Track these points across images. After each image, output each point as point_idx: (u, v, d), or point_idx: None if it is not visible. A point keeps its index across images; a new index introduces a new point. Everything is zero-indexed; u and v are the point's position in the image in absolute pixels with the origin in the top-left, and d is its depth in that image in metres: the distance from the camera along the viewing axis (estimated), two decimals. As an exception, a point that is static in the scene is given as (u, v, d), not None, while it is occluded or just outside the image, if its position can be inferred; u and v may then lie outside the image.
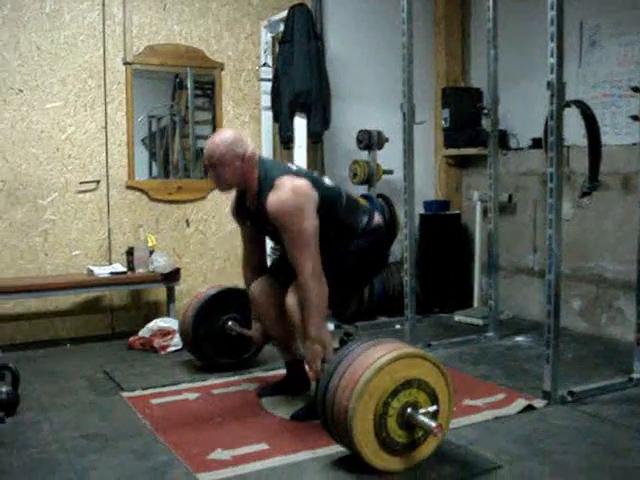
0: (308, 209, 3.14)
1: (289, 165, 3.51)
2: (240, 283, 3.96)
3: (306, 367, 3.41)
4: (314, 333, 3.18)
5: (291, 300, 3.27)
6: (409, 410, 2.72)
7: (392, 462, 2.75)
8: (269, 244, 4.16)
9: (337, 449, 2.92)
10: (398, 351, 2.75)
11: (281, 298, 3.40)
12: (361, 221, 3.44)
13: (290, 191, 3.13)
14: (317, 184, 3.28)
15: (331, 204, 3.33)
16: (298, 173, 3.31)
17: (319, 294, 3.16)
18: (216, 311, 4.17)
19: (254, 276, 3.65)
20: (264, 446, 3.05)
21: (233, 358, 4.24)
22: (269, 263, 3.90)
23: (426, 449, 2.83)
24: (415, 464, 2.80)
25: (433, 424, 2.68)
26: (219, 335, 4.16)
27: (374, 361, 2.69)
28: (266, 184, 3.21)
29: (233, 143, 3.23)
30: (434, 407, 2.76)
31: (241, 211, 3.50)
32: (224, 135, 3.30)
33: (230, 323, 4.15)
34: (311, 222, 3.13)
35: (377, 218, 3.53)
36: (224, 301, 4.21)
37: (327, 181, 3.46)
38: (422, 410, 2.73)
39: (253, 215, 3.39)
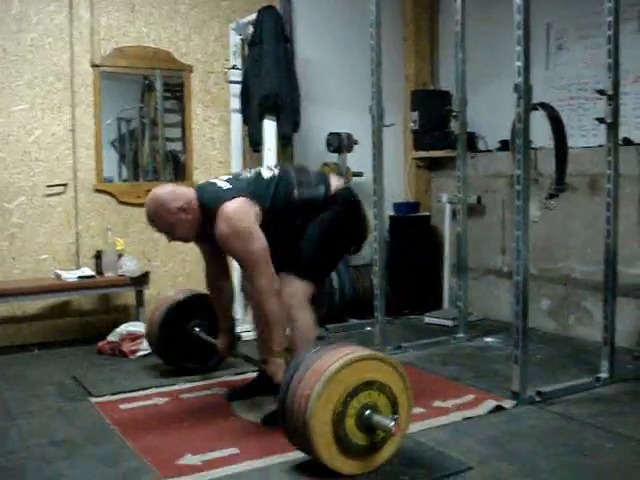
0: (249, 230, 3.15)
1: (220, 185, 3.35)
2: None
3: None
4: (276, 348, 3.23)
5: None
6: (367, 412, 2.73)
7: (352, 465, 2.75)
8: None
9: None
10: (353, 354, 2.76)
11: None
12: (319, 192, 3.41)
13: (227, 220, 3.13)
14: (255, 192, 3.27)
15: (279, 198, 3.33)
16: (233, 192, 3.25)
17: (277, 312, 3.20)
18: (183, 316, 4.16)
19: (216, 285, 3.68)
20: (234, 450, 3.04)
21: (199, 363, 4.22)
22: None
23: (386, 452, 2.83)
24: (376, 467, 2.81)
25: (391, 424, 2.68)
26: (186, 340, 4.14)
27: (330, 364, 2.70)
28: (211, 215, 3.20)
29: (168, 202, 3.23)
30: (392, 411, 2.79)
31: (206, 237, 3.40)
32: (157, 200, 3.26)
33: (197, 329, 4.13)
34: (256, 242, 3.15)
35: (335, 182, 3.51)
36: (192, 306, 4.20)
37: (266, 174, 3.42)
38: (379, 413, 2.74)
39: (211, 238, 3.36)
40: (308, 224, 3.38)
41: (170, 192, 3.27)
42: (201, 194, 3.32)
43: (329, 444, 2.69)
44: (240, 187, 3.32)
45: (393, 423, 2.68)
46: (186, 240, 3.46)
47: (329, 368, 2.69)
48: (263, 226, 3.22)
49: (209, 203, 3.24)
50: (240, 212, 3.16)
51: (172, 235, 3.34)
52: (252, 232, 3.15)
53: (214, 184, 3.37)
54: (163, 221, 3.26)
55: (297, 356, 3.01)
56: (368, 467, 2.79)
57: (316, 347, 2.93)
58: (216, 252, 3.53)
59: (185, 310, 4.18)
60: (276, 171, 3.45)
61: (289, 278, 3.35)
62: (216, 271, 3.67)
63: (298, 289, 3.34)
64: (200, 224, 3.30)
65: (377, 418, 2.72)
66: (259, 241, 3.16)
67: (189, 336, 4.14)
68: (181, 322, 4.14)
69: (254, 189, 3.30)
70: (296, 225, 3.36)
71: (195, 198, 3.29)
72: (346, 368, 2.71)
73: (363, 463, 2.78)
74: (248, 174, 3.49)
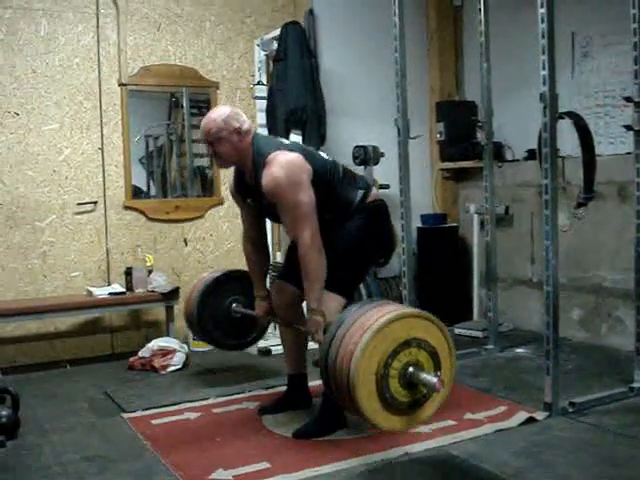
0: (302, 181, 3.16)
1: (281, 140, 3.51)
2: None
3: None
4: (314, 305, 3.20)
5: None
6: (410, 369, 2.70)
7: (396, 421, 2.74)
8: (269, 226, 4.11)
9: (340, 466, 2.92)
10: (396, 312, 2.74)
11: (293, 297, 3.52)
12: (356, 196, 3.42)
13: (282, 166, 3.15)
14: (311, 157, 3.30)
15: (326, 176, 3.34)
16: (291, 147, 3.33)
17: (318, 266, 3.18)
18: (220, 293, 4.12)
19: (254, 250, 3.68)
20: (265, 465, 3.04)
21: (238, 339, 4.22)
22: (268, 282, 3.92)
23: (430, 408, 2.81)
24: (419, 423, 2.80)
25: (434, 380, 2.67)
26: (224, 317, 4.12)
27: (372, 323, 2.68)
28: (260, 161, 3.23)
29: (229, 117, 3.28)
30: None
31: (241, 188, 3.50)
32: (220, 110, 3.35)
33: (234, 305, 4.11)
34: (307, 193, 3.16)
35: (374, 194, 3.52)
36: (227, 284, 4.16)
37: (323, 155, 3.49)
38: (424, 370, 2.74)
39: (252, 191, 3.39)
40: (336, 228, 3.35)
41: (235, 112, 3.33)
42: (258, 139, 3.35)
43: (372, 398, 2.66)
44: (300, 147, 3.40)
45: (437, 379, 2.66)
46: (226, 165, 3.45)
47: (377, 321, 2.67)
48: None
49: (264, 147, 3.26)
50: (296, 162, 3.19)
51: (216, 152, 3.33)
52: (304, 183, 3.17)
53: (274, 137, 3.39)
54: (215, 131, 3.27)
55: (340, 315, 2.93)
56: (410, 424, 2.78)
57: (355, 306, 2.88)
58: (255, 214, 3.57)
59: (221, 287, 4.14)
60: (330, 158, 3.49)
61: None
62: (254, 233, 3.67)
63: (330, 302, 3.29)
64: (243, 159, 3.32)
65: (421, 374, 2.70)
66: (309, 193, 3.17)
67: (227, 313, 4.11)
68: (218, 299, 4.11)
69: (311, 155, 3.34)
70: (324, 220, 3.29)
71: (252, 136, 3.32)
72: (394, 323, 2.69)
73: (405, 419, 2.76)
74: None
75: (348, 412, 2.84)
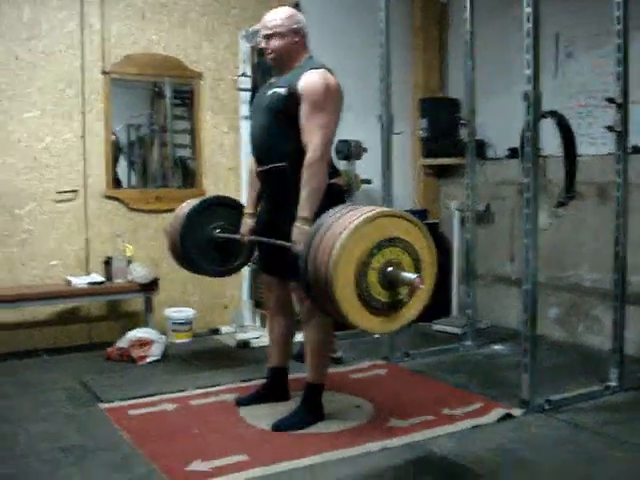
0: (338, 102, 3.28)
1: None
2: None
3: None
4: (307, 214, 3.16)
5: None
6: (390, 268, 2.71)
7: (376, 322, 2.76)
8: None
9: (318, 459, 2.93)
10: (373, 212, 2.74)
11: (280, 290, 3.54)
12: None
13: (334, 81, 3.29)
14: None
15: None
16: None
17: (323, 176, 3.21)
18: (202, 221, 4.05)
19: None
20: (243, 457, 3.04)
21: (224, 266, 4.16)
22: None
23: (411, 310, 2.83)
24: (400, 326, 2.82)
25: (414, 276, 2.67)
26: (207, 244, 4.05)
27: (349, 223, 2.68)
28: (313, 65, 3.32)
29: (292, 17, 3.41)
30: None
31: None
32: (285, 9, 3.48)
33: (217, 231, 4.04)
34: (337, 112, 3.28)
35: (339, 179, 3.51)
36: (209, 210, 4.08)
37: None
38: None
39: (261, 95, 3.50)
40: (291, 208, 3.25)
41: (297, 14, 3.47)
42: (315, 58, 3.45)
43: (351, 298, 2.67)
44: None
45: (416, 276, 2.67)
46: (274, 60, 3.45)
47: (353, 222, 2.67)
48: None
49: (319, 64, 3.36)
50: (339, 87, 3.30)
51: (269, 42, 3.39)
52: (339, 104, 3.30)
53: None
54: (276, 25, 3.37)
55: (318, 219, 2.92)
56: (390, 325, 2.80)
57: (332, 211, 2.86)
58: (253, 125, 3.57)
59: (204, 214, 4.06)
60: None
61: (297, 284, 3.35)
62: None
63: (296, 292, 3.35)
64: (291, 60, 3.39)
65: (400, 273, 2.70)
66: (338, 114, 3.28)
67: (210, 239, 4.05)
68: (201, 226, 4.05)
69: None
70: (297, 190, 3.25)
71: (306, 44, 3.45)
72: (370, 222, 2.70)
73: (386, 320, 2.78)
74: None
75: (330, 315, 2.84)
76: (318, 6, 5.81)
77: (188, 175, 5.71)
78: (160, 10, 5.38)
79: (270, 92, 3.38)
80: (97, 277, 5.04)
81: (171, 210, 5.40)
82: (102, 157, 5.24)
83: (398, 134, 4.55)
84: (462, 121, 5.04)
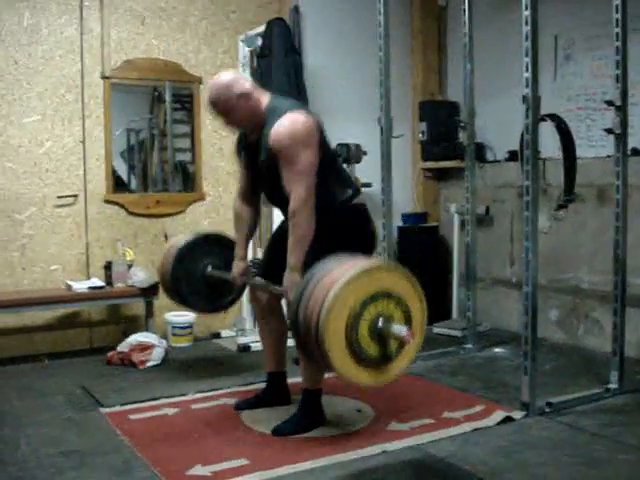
0: (311, 141, 3.19)
1: (301, 103, 3.54)
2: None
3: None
4: (294, 262, 3.19)
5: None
6: (380, 321, 2.70)
7: (365, 376, 2.74)
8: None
9: (318, 463, 2.93)
10: (365, 265, 2.73)
11: (271, 295, 3.54)
12: (343, 194, 3.42)
13: (295, 122, 3.18)
14: (324, 131, 3.33)
15: (328, 158, 3.35)
16: (309, 111, 3.34)
17: (307, 224, 3.19)
18: (194, 257, 4.06)
19: (244, 205, 3.65)
20: (244, 461, 3.04)
21: (215, 302, 4.16)
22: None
23: (400, 364, 2.80)
24: (388, 379, 2.80)
25: (404, 330, 2.67)
26: (199, 281, 4.04)
27: (341, 276, 2.66)
28: (276, 114, 3.24)
29: (232, 84, 3.28)
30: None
31: (242, 147, 3.53)
32: (221, 80, 3.32)
33: (209, 269, 4.04)
34: (313, 153, 3.19)
35: (360, 197, 3.51)
36: (202, 247, 4.08)
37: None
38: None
39: (250, 149, 3.44)
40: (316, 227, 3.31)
41: (234, 77, 3.34)
42: (275, 97, 3.38)
43: (342, 351, 2.65)
44: (316, 115, 3.37)
45: (407, 330, 2.67)
46: (238, 128, 3.46)
47: (345, 274, 2.66)
48: None
49: (282, 106, 3.27)
50: (311, 124, 3.21)
51: (227, 118, 3.35)
52: (312, 143, 3.19)
53: (294, 99, 3.46)
54: (222, 102, 3.29)
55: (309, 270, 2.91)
56: (380, 379, 2.78)
57: (324, 261, 2.84)
58: (254, 178, 3.55)
59: (196, 251, 4.07)
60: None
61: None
62: (249, 192, 3.64)
63: None
64: (255, 117, 3.32)
65: (390, 326, 2.69)
66: (315, 154, 3.19)
67: (202, 276, 4.05)
68: (193, 263, 4.04)
69: (323, 131, 3.35)
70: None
71: (263, 95, 3.34)
72: (363, 275, 2.69)
73: (375, 374, 2.76)
74: None
75: (319, 367, 2.82)
76: (317, 9, 5.83)
77: (188, 179, 5.72)
78: (159, 15, 5.39)
79: (258, 157, 3.35)
80: (97, 282, 5.04)
81: (171, 214, 5.47)
82: (102, 162, 5.24)
83: (398, 137, 4.56)
84: (461, 124, 5.05)
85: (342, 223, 3.38)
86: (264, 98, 3.35)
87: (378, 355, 2.73)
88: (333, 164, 3.46)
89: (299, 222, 3.18)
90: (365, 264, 2.75)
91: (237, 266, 3.72)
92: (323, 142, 3.31)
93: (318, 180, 3.25)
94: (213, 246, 4.09)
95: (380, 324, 2.69)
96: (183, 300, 4.13)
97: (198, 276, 4.05)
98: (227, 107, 3.29)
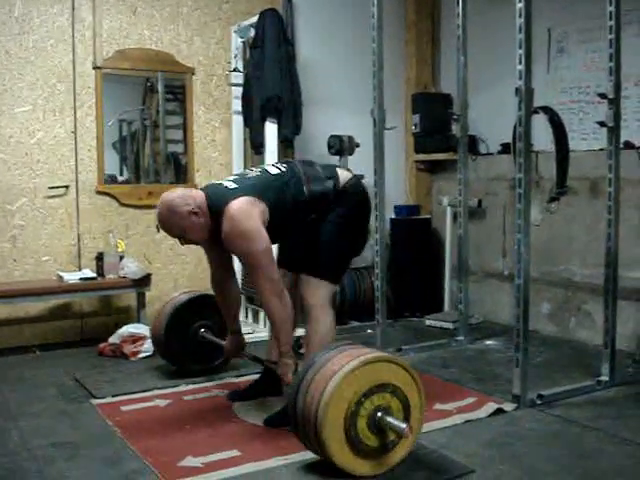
0: (251, 230, 3.13)
1: (225, 184, 3.34)
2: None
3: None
4: (283, 348, 3.26)
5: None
6: (379, 414, 2.73)
7: (363, 466, 2.76)
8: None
9: (309, 455, 2.93)
10: (366, 356, 2.77)
11: (287, 284, 3.47)
12: (328, 187, 3.40)
13: (229, 221, 3.13)
14: (262, 189, 3.26)
15: (286, 198, 3.31)
16: (236, 191, 3.23)
17: (281, 311, 3.22)
18: (189, 317, 4.16)
19: (222, 292, 3.65)
20: (235, 452, 3.04)
21: (205, 364, 4.23)
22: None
23: (398, 454, 2.84)
24: (386, 469, 2.81)
25: (403, 425, 2.69)
26: (191, 341, 4.15)
27: (340, 367, 2.70)
28: (218, 218, 3.19)
29: (179, 206, 3.19)
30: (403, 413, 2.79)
31: (216, 240, 3.38)
32: (169, 205, 3.21)
33: (203, 331, 4.14)
34: (258, 243, 3.13)
35: (342, 175, 3.51)
36: (197, 307, 4.20)
37: (272, 170, 3.42)
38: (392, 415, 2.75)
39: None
40: (322, 221, 3.38)
41: (180, 196, 3.23)
42: (209, 195, 3.29)
43: (341, 445, 2.69)
44: (246, 186, 3.29)
45: (405, 425, 2.69)
46: (197, 243, 3.44)
47: (345, 366, 2.69)
48: (272, 223, 3.21)
49: (216, 204, 3.22)
50: (244, 212, 3.14)
51: (185, 239, 3.31)
52: (254, 232, 3.13)
53: (220, 184, 3.35)
54: (175, 226, 3.23)
55: (308, 358, 3.00)
56: (380, 468, 2.80)
57: (325, 349, 2.92)
58: (223, 255, 3.53)
59: (191, 310, 4.18)
60: (283, 168, 3.43)
61: (309, 279, 3.40)
62: (222, 274, 3.64)
63: (321, 289, 3.38)
64: (211, 226, 3.26)
65: (389, 420, 2.72)
66: (262, 241, 3.14)
67: (195, 337, 4.15)
68: (186, 323, 4.15)
69: (260, 187, 3.28)
70: (309, 221, 3.37)
71: (204, 200, 3.26)
72: (362, 367, 2.71)
73: (373, 464, 2.78)
74: (255, 172, 3.46)
75: (314, 452, 2.84)
76: (310, 1, 5.81)
77: (180, 170, 5.71)
78: (152, 5, 5.37)
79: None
80: (89, 273, 5.02)
81: (163, 205, 5.43)
82: (93, 152, 5.22)
83: (390, 129, 4.55)
84: (454, 116, 5.04)
85: (343, 210, 3.42)
86: (205, 202, 3.24)
87: (376, 446, 2.76)
88: (298, 190, 3.34)
89: (272, 311, 3.23)
90: (364, 356, 2.76)
91: (231, 342, 3.78)
92: (271, 199, 3.24)
93: (301, 209, 3.33)
94: (207, 308, 4.17)
95: (378, 417, 2.73)
96: (175, 359, 4.25)
97: (190, 337, 4.16)
98: (182, 229, 3.23)
